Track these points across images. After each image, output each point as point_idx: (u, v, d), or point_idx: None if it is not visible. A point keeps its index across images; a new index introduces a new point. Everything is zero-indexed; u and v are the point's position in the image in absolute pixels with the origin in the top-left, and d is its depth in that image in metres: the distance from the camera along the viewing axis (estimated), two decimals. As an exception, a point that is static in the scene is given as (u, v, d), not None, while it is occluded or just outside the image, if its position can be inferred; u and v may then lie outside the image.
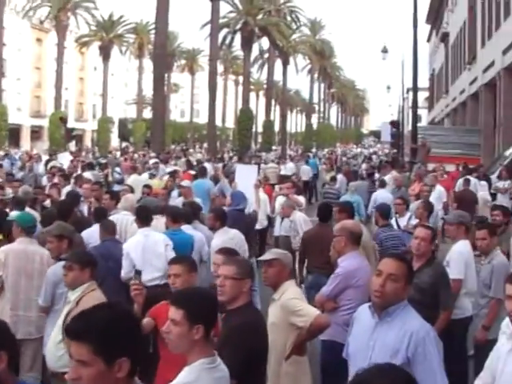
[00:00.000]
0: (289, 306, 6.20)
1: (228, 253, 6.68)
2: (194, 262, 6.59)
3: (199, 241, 10.37)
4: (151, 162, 28.49)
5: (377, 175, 27.10)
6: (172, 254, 8.66)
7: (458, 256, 8.63)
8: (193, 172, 22.45)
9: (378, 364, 3.19)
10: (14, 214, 10.24)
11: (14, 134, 77.04)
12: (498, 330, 7.32)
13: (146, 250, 9.25)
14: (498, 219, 11.34)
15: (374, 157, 55.26)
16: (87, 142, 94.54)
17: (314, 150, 74.65)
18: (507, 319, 5.05)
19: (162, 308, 6.01)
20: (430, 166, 26.89)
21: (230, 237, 10.55)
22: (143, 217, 9.89)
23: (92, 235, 9.97)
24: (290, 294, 6.30)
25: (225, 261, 6.04)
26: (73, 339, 3.21)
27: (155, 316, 6.08)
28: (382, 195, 18.34)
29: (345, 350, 5.16)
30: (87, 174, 19.93)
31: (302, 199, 16.85)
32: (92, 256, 7.25)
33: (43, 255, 8.16)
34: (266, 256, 6.57)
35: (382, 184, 20.71)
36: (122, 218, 11.32)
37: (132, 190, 14.79)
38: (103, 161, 32.75)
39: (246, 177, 16.46)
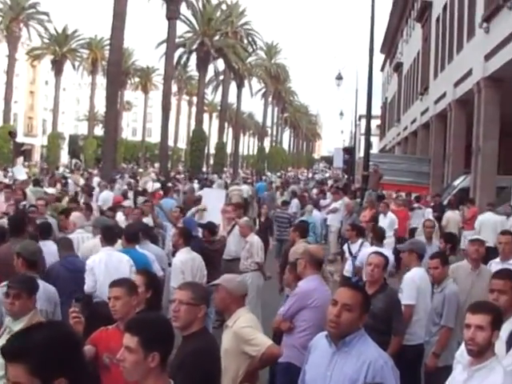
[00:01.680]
0: (242, 334, 6.09)
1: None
2: (135, 284, 6.37)
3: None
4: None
5: (328, 200, 27.38)
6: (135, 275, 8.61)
7: (410, 283, 8.72)
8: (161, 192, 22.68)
9: None
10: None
11: (-39, 147, 75.73)
12: (448, 358, 7.39)
13: (109, 268, 9.15)
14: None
15: (329, 182, 55.52)
16: (36, 158, 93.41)
17: (268, 173, 74.70)
18: (462, 348, 5.10)
19: (101, 334, 5.91)
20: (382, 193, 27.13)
21: (191, 257, 10.52)
22: (109, 237, 9.81)
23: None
24: (243, 321, 6.18)
25: (180, 286, 5.94)
26: (9, 360, 3.11)
27: (95, 343, 5.84)
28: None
29: (301, 378, 5.08)
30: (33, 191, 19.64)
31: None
32: (36, 281, 6.79)
33: None
34: (216, 281, 6.51)
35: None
36: (77, 236, 11.25)
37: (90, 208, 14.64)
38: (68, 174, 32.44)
39: (213, 201, 16.33)
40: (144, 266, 9.22)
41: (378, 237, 12.42)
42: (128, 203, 17.26)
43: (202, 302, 5.46)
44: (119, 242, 10.33)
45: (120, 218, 15.06)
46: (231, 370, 6.12)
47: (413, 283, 8.69)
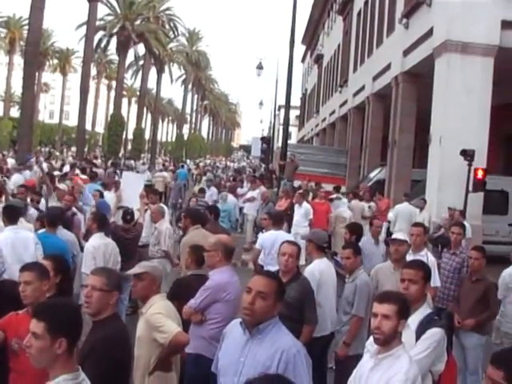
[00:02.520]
0: (151, 321, 6.04)
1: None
2: (46, 268, 6.15)
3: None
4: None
5: (245, 189, 27.51)
6: (40, 253, 8.45)
7: (310, 276, 8.53)
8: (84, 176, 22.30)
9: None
10: None
11: None
12: (358, 347, 7.53)
13: (16, 246, 8.98)
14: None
15: (248, 170, 55.53)
16: None
17: (188, 161, 74.46)
18: (371, 337, 5.18)
19: (11, 318, 5.77)
20: (296, 183, 27.35)
21: (104, 242, 10.37)
22: (11, 216, 9.56)
23: None
24: (155, 308, 6.13)
25: (93, 271, 5.85)
26: None
27: (4, 328, 5.70)
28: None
29: (214, 364, 5.07)
30: None
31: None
32: None
33: None
34: (135, 270, 6.38)
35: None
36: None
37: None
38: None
39: (132, 185, 16.15)
40: (62, 251, 9.03)
41: (276, 222, 12.48)
42: (62, 187, 16.91)
43: (114, 289, 5.42)
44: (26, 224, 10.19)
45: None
46: (143, 358, 6.12)
47: (312, 276, 8.54)
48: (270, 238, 11.81)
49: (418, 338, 5.78)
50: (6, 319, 5.83)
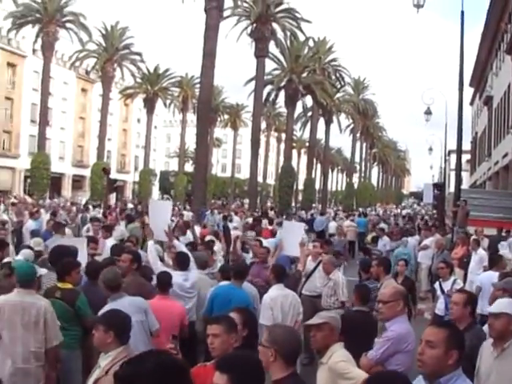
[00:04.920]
0: (337, 368, 6.05)
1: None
2: (234, 322, 6.25)
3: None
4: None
5: (417, 237, 27.02)
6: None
7: None
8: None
9: None
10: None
11: (56, 183, 78.09)
12: None
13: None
14: None
15: (421, 216, 54.59)
16: (128, 194, 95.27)
17: (368, 209, 73.65)
18: None
19: (200, 370, 5.88)
20: (471, 230, 26.55)
21: (283, 293, 10.42)
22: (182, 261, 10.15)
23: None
24: (338, 356, 6.16)
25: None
26: None
27: (193, 377, 5.73)
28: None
29: None
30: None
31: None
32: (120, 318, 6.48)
33: (40, 307, 7.91)
34: (315, 320, 6.40)
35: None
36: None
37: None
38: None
39: (292, 233, 16.13)
40: (247, 305, 9.18)
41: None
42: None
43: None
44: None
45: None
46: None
47: None
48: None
49: None
50: (195, 370, 5.90)
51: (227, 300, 9.46)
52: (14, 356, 7.84)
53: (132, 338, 7.17)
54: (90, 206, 37.15)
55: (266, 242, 17.14)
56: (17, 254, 12.79)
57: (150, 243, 11.98)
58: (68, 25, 65.79)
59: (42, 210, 29.90)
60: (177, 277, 10.07)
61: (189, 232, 19.88)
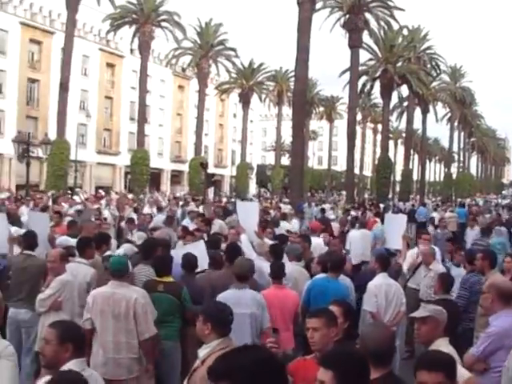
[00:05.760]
0: None
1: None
2: (334, 315, 6.17)
3: None
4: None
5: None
6: None
7: None
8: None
9: None
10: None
11: (155, 178, 79.51)
12: None
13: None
14: None
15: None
16: (225, 188, 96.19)
17: (468, 199, 71.76)
18: None
19: (299, 363, 5.88)
20: None
21: (387, 283, 10.50)
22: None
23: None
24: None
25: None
26: (214, 380, 3.22)
27: (292, 372, 5.59)
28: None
29: None
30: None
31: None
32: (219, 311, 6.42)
33: (130, 300, 8.09)
34: (420, 313, 6.31)
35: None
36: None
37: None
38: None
39: (394, 227, 16.02)
40: (345, 297, 9.21)
41: None
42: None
43: None
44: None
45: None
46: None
47: None
48: None
49: None
50: (294, 363, 5.91)
51: (324, 292, 9.48)
52: (105, 346, 8.07)
53: (240, 331, 7.42)
54: (191, 201, 37.72)
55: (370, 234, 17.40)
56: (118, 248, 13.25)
57: (243, 236, 12.22)
58: (163, 24, 66.69)
59: (148, 205, 30.77)
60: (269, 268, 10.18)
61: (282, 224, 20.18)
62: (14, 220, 16.87)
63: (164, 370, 8.86)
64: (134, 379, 8.08)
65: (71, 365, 5.05)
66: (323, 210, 30.16)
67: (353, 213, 28.95)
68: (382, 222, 20.22)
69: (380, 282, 10.42)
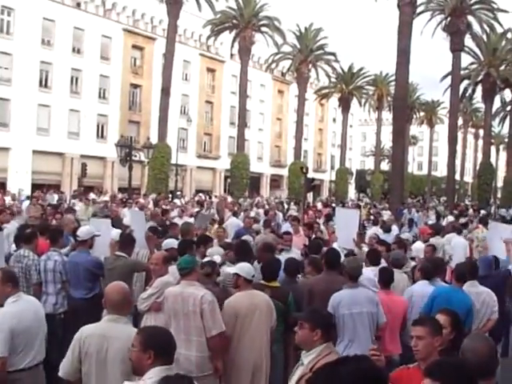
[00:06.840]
0: None
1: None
2: (439, 324, 6.10)
3: None
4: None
5: None
6: None
7: None
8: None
9: None
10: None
11: (255, 182, 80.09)
12: None
13: None
14: None
15: None
16: (325, 193, 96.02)
17: None
18: None
19: (402, 372, 5.81)
20: None
21: (476, 291, 10.22)
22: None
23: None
24: None
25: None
26: None
27: (396, 381, 5.49)
28: None
29: None
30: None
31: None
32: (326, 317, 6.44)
33: (197, 297, 8.20)
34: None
35: None
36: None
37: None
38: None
39: (498, 235, 15.73)
40: (467, 307, 9.15)
41: None
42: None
43: None
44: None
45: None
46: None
47: None
48: None
49: None
50: (397, 372, 5.82)
51: (449, 301, 9.11)
52: (177, 343, 8.31)
53: (359, 329, 7.88)
54: (292, 204, 37.88)
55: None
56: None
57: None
58: (263, 29, 67.22)
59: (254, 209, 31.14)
60: (367, 272, 10.19)
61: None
62: (115, 222, 17.43)
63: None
64: (205, 377, 8.13)
65: (152, 373, 5.13)
66: (438, 216, 29.73)
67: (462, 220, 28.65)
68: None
69: (467, 290, 10.04)
